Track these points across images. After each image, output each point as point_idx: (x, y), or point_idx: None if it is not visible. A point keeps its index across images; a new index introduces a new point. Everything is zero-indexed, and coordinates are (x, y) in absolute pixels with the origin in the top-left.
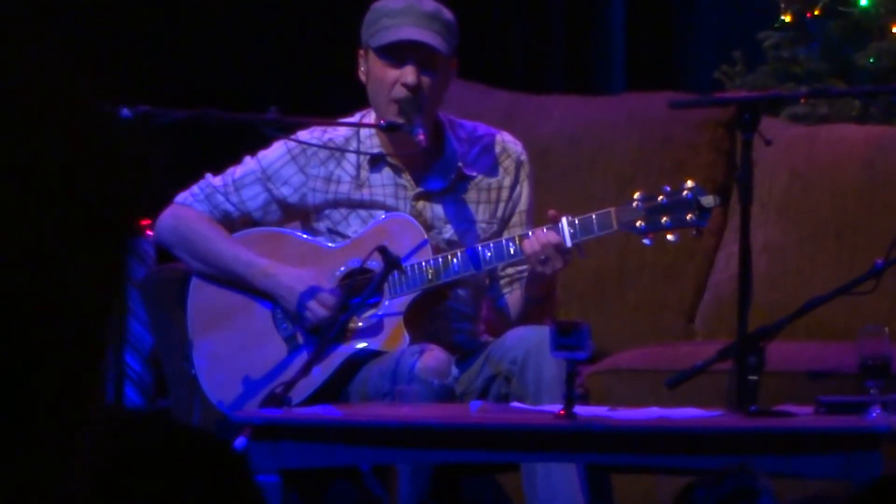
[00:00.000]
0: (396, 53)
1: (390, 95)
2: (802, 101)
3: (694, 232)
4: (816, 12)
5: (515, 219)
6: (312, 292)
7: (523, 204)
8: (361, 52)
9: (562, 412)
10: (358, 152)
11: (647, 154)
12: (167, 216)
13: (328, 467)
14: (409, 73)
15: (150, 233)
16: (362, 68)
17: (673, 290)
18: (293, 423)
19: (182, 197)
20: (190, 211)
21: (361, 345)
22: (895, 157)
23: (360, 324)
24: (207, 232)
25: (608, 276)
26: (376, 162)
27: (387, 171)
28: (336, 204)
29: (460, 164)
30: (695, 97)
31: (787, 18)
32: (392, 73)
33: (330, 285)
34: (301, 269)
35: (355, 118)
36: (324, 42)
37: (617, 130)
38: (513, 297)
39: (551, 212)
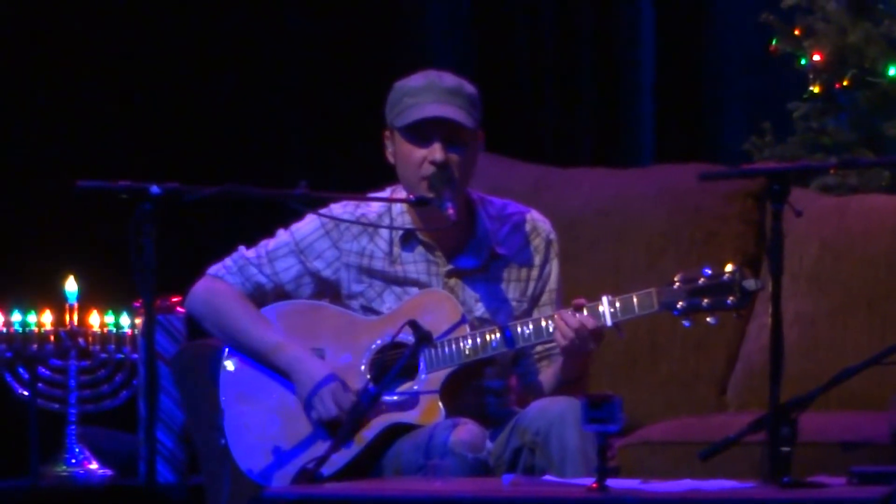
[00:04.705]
0: (421, 132)
1: (419, 174)
2: (832, 171)
3: (735, 314)
4: (845, 83)
5: (545, 297)
6: (330, 388)
7: (553, 283)
8: (387, 132)
9: (594, 485)
10: (391, 227)
11: (677, 226)
12: (199, 289)
13: None
14: (436, 151)
15: (180, 309)
16: (389, 150)
17: (704, 361)
18: (326, 499)
19: (215, 269)
20: (222, 285)
21: (396, 418)
22: None
23: (395, 397)
24: (238, 309)
25: (640, 347)
26: (408, 240)
27: (419, 249)
28: (370, 273)
29: (493, 244)
30: (724, 169)
31: (816, 89)
32: (419, 152)
33: (364, 362)
34: (330, 363)
35: (385, 193)
36: (354, 116)
37: (646, 202)
38: (545, 375)
39: (580, 300)
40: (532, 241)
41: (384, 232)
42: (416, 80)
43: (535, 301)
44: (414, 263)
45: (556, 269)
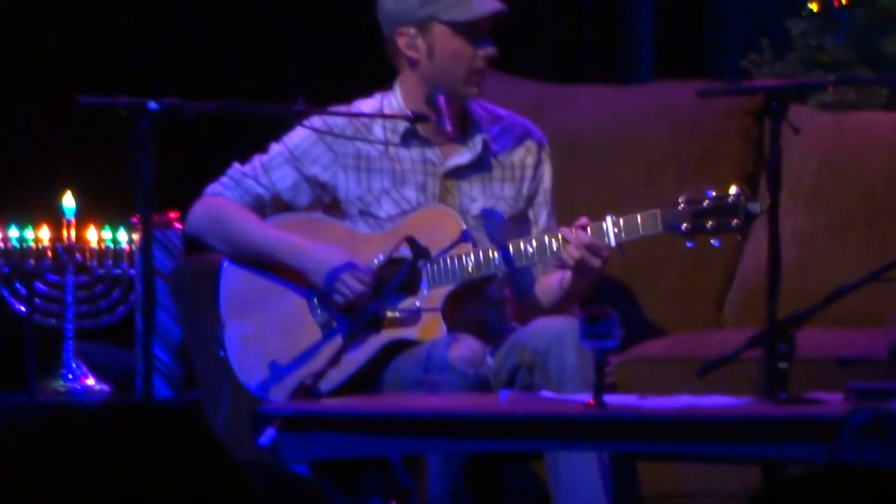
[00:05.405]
0: (475, 27)
1: (470, 68)
2: (830, 88)
3: (739, 237)
4: (844, 0)
5: (540, 197)
6: (346, 268)
7: (546, 182)
8: (411, 30)
9: (591, 401)
10: (385, 116)
11: (676, 143)
12: (198, 206)
13: (358, 458)
14: (491, 46)
15: (178, 225)
16: (417, 46)
17: (702, 278)
18: (323, 415)
19: (212, 188)
20: (220, 199)
21: (397, 334)
22: None
23: (397, 313)
24: (237, 215)
25: (638, 264)
26: (406, 136)
27: (415, 145)
28: (368, 173)
29: (486, 137)
30: (723, 85)
31: (815, 7)
32: (470, 48)
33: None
34: (334, 245)
35: (375, 98)
36: (346, 29)
37: (646, 119)
38: (541, 286)
39: (583, 219)
40: (524, 143)
41: (378, 132)
42: None
43: (529, 201)
44: (411, 161)
45: (548, 170)
